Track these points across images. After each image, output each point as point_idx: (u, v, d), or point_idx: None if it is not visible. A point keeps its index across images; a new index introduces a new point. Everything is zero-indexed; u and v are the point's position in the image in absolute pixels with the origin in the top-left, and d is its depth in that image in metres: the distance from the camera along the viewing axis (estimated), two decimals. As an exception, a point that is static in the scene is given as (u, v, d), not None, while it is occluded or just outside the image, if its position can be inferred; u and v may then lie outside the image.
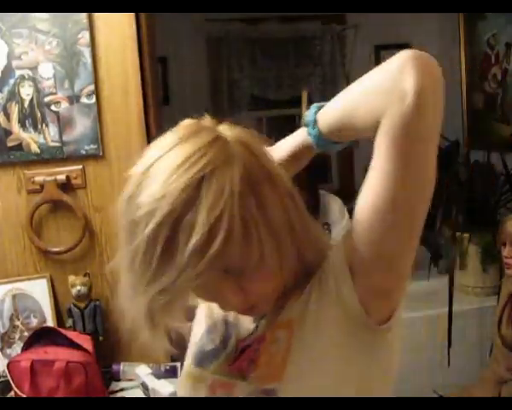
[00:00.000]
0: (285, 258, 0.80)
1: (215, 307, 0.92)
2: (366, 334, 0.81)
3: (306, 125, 0.85)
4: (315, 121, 0.84)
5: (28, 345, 1.70)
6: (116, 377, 1.81)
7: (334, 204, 2.58)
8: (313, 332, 0.81)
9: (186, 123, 0.86)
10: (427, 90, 0.70)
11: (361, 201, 0.77)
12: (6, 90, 1.78)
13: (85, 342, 1.70)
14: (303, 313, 0.83)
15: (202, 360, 0.94)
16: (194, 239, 0.70)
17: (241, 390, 0.85)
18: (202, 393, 0.90)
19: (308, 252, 0.85)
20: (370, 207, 0.75)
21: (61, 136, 1.81)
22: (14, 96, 1.78)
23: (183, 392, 0.95)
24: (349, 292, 0.79)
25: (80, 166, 1.84)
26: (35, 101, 1.79)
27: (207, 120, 0.83)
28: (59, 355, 1.62)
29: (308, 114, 0.85)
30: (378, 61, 4.10)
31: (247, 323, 0.93)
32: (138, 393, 1.74)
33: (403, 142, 0.73)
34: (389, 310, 0.83)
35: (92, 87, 1.79)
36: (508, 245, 2.22)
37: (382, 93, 0.74)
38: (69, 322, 1.83)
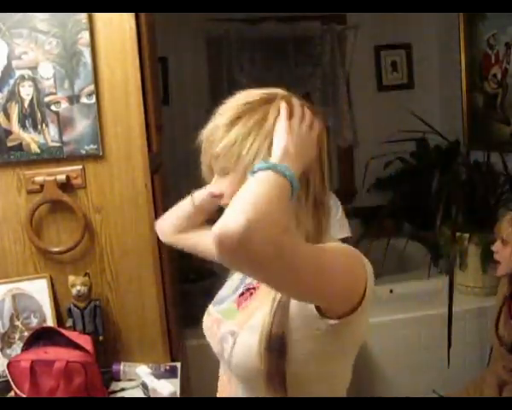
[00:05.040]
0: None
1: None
2: (323, 326, 0.97)
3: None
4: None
5: (28, 345, 1.70)
6: (116, 377, 1.81)
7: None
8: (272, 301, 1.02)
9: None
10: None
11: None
12: (6, 90, 1.78)
13: (85, 342, 1.70)
14: None
15: (217, 301, 1.20)
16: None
17: (223, 327, 1.10)
18: (208, 324, 1.16)
19: (307, 223, 1.03)
20: None
21: (60, 136, 1.81)
22: (14, 96, 1.78)
23: (203, 326, 1.19)
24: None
25: (80, 166, 1.84)
26: (35, 101, 1.79)
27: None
28: (59, 355, 1.62)
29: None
30: (378, 61, 4.11)
31: None
32: (138, 393, 1.74)
33: None
34: (347, 310, 0.96)
35: (92, 87, 1.79)
36: (498, 242, 2.23)
37: None
38: (69, 322, 1.83)
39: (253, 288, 1.14)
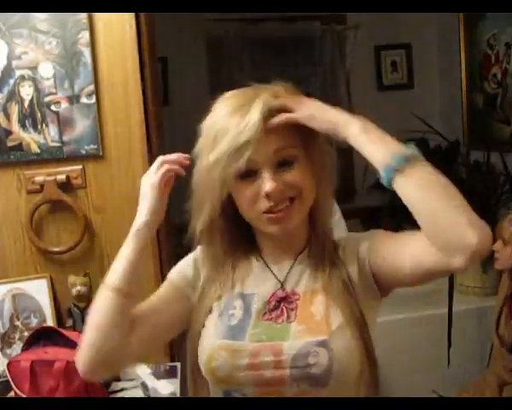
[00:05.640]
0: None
1: (224, 293, 1.09)
2: (374, 301, 1.05)
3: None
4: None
5: (28, 345, 1.70)
6: (116, 377, 1.81)
7: None
8: (342, 297, 1.02)
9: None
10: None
11: (415, 247, 0.97)
12: (6, 90, 1.78)
13: (85, 342, 1.69)
14: (331, 283, 1.04)
15: (234, 334, 1.03)
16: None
17: (289, 347, 0.99)
18: (243, 361, 0.99)
19: (320, 218, 1.08)
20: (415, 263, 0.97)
21: (61, 136, 1.81)
22: (14, 96, 1.78)
23: (218, 363, 1.01)
24: (368, 275, 1.03)
25: (80, 166, 1.84)
26: (35, 101, 1.79)
27: None
28: (59, 355, 1.62)
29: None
30: (378, 61, 4.11)
31: (268, 286, 1.08)
32: (138, 393, 1.74)
33: None
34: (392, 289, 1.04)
35: (92, 87, 1.79)
36: (499, 241, 2.24)
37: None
38: (69, 322, 1.83)
39: (288, 297, 1.05)
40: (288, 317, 1.03)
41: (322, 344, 0.97)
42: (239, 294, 1.09)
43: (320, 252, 1.07)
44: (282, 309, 1.04)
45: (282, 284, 1.07)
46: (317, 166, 1.04)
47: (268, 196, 0.98)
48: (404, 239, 1.01)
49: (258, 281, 1.09)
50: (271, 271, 1.09)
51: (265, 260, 1.10)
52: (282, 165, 1.00)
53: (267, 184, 0.98)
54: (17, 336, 1.83)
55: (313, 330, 1.00)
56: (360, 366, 0.99)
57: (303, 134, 1.02)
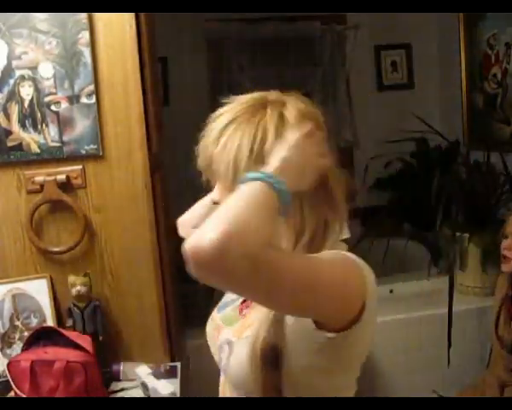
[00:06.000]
0: None
1: None
2: (321, 339, 0.93)
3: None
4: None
5: (28, 345, 1.70)
6: (116, 377, 1.81)
7: None
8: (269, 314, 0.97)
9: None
10: None
11: None
12: (6, 90, 1.78)
13: (85, 342, 1.70)
14: None
15: (221, 306, 1.17)
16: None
17: (222, 335, 1.08)
18: (211, 331, 1.15)
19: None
20: None
21: (61, 136, 1.81)
22: (14, 96, 1.78)
23: (206, 331, 1.18)
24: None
25: (80, 166, 1.84)
26: (35, 101, 1.79)
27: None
28: (59, 355, 1.62)
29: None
30: (378, 61, 4.11)
31: None
32: (138, 393, 1.74)
33: None
34: (346, 323, 0.92)
35: (92, 87, 1.79)
36: (510, 238, 2.22)
37: None
38: (69, 322, 1.83)
39: None
40: (244, 313, 1.10)
41: (229, 345, 1.04)
42: None
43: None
44: (248, 303, 1.10)
45: None
46: None
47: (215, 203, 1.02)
48: None
49: None
50: None
51: None
52: None
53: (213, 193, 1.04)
54: (17, 336, 1.83)
55: (236, 330, 1.06)
56: (254, 377, 0.97)
57: None
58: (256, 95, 1.03)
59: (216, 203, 1.02)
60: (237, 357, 1.01)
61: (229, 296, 1.18)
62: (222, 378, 1.17)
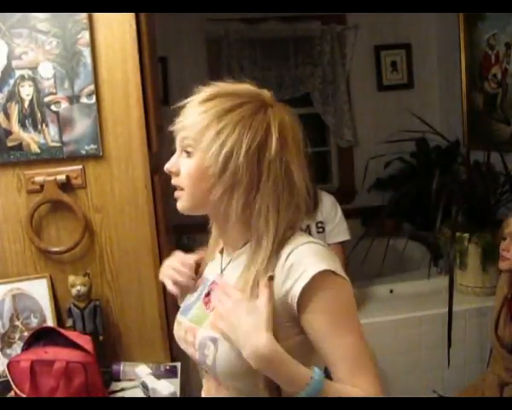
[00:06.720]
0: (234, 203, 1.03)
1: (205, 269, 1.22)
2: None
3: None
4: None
5: (28, 345, 1.70)
6: (116, 377, 1.81)
7: (327, 201, 2.59)
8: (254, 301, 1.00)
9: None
10: None
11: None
12: (6, 90, 1.78)
13: (85, 342, 1.70)
14: (246, 288, 1.02)
15: (184, 310, 1.19)
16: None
17: (200, 334, 1.08)
18: (181, 334, 1.15)
19: (253, 227, 1.05)
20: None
21: (61, 136, 1.81)
22: (14, 96, 1.78)
23: (175, 336, 1.19)
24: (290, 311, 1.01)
25: (80, 166, 1.84)
26: (35, 101, 1.79)
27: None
28: (59, 355, 1.62)
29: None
30: (378, 61, 4.11)
31: (214, 273, 1.17)
32: (138, 393, 1.74)
33: None
34: None
35: (92, 87, 1.79)
36: (508, 240, 2.22)
37: None
38: (69, 322, 1.83)
39: (216, 283, 1.14)
40: (208, 302, 1.13)
41: (213, 341, 1.04)
42: (203, 277, 1.21)
43: (251, 256, 1.06)
44: (211, 297, 1.13)
45: (221, 274, 1.15)
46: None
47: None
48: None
49: (212, 268, 1.19)
50: (221, 260, 1.17)
51: (224, 249, 1.18)
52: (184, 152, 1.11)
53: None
54: (17, 336, 1.83)
55: (214, 325, 1.05)
56: (245, 370, 0.98)
57: None
58: (252, 91, 1.11)
59: (171, 173, 1.13)
60: (225, 352, 1.02)
61: (189, 299, 1.20)
62: (205, 380, 1.18)
